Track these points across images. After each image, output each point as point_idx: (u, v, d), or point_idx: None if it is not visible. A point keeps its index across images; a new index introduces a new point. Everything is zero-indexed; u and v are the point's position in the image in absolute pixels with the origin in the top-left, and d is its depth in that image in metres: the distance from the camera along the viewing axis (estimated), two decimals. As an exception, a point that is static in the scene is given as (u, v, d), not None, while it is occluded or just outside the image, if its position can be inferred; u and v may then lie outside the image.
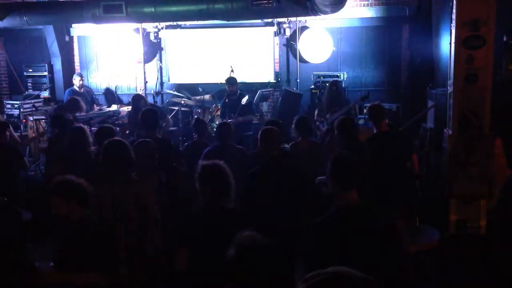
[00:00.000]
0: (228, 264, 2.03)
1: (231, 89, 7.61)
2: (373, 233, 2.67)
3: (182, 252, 2.90)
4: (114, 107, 9.11)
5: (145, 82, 9.96)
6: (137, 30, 9.70)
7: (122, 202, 3.43)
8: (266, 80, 9.58)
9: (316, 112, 7.67)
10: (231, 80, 7.69)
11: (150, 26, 9.76)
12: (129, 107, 9.29)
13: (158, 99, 9.73)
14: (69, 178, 3.12)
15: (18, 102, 8.95)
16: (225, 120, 6.57)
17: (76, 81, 8.82)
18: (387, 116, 5.26)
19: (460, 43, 4.25)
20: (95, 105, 8.98)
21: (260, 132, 4.10)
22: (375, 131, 5.03)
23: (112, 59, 10.27)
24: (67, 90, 8.96)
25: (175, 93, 9.21)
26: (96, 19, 8.46)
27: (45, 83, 10.14)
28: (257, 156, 4.55)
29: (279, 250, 2.03)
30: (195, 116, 8.33)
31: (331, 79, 8.00)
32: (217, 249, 2.81)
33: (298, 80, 9.41)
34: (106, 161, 3.58)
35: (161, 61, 10.13)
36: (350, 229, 2.66)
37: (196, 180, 3.03)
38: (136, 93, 8.97)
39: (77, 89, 8.77)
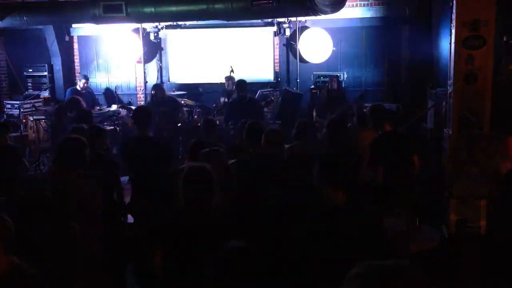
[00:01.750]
0: (213, 272, 2.02)
1: (242, 94, 7.17)
2: (358, 232, 2.74)
3: (158, 251, 2.91)
4: (114, 107, 9.11)
5: (145, 82, 9.97)
6: (137, 30, 9.71)
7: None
8: (266, 80, 9.58)
9: (314, 113, 7.67)
10: (241, 85, 7.23)
11: (150, 26, 9.76)
12: (130, 107, 9.30)
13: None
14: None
15: (18, 102, 8.94)
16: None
17: (81, 82, 8.80)
18: (389, 117, 5.14)
19: (460, 43, 4.26)
20: (96, 107, 8.97)
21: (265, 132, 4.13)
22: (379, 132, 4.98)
23: (112, 59, 10.28)
24: (68, 90, 8.96)
25: (175, 93, 9.20)
26: (96, 19, 8.46)
27: (45, 83, 10.15)
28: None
29: (264, 259, 2.03)
30: (195, 116, 8.34)
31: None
32: (193, 250, 2.80)
33: (298, 80, 9.41)
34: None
35: (161, 61, 10.13)
36: (335, 229, 2.73)
37: (180, 180, 2.98)
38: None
39: (78, 89, 8.76)
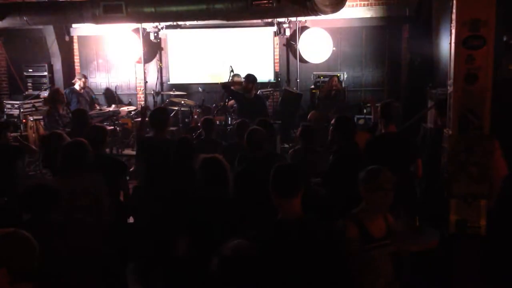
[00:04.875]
0: (211, 274, 2.06)
1: (246, 86, 7.14)
2: (312, 246, 2.55)
3: (183, 238, 3.05)
4: (114, 107, 9.10)
5: (145, 82, 9.97)
6: (137, 30, 9.71)
7: None
8: (266, 80, 9.59)
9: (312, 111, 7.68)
10: (250, 78, 7.20)
11: (150, 26, 9.76)
12: (129, 107, 9.31)
13: (158, 99, 9.73)
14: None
15: (18, 102, 8.94)
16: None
17: (81, 82, 8.76)
18: (397, 118, 5.11)
19: (460, 43, 4.25)
20: (95, 105, 8.96)
21: (247, 133, 4.18)
22: (382, 131, 4.97)
23: (112, 59, 10.28)
24: (66, 89, 8.95)
25: (175, 93, 9.20)
26: (96, 19, 8.46)
27: (45, 83, 10.15)
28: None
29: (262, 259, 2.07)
30: (195, 116, 8.35)
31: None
32: (215, 236, 2.85)
33: (298, 80, 9.42)
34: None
35: (161, 61, 10.14)
36: (287, 244, 2.53)
37: (197, 171, 3.25)
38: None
39: (77, 88, 8.74)
